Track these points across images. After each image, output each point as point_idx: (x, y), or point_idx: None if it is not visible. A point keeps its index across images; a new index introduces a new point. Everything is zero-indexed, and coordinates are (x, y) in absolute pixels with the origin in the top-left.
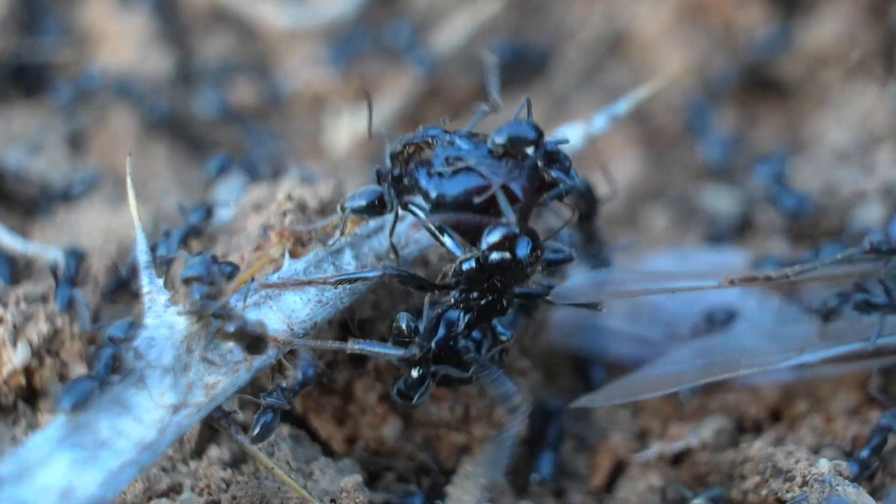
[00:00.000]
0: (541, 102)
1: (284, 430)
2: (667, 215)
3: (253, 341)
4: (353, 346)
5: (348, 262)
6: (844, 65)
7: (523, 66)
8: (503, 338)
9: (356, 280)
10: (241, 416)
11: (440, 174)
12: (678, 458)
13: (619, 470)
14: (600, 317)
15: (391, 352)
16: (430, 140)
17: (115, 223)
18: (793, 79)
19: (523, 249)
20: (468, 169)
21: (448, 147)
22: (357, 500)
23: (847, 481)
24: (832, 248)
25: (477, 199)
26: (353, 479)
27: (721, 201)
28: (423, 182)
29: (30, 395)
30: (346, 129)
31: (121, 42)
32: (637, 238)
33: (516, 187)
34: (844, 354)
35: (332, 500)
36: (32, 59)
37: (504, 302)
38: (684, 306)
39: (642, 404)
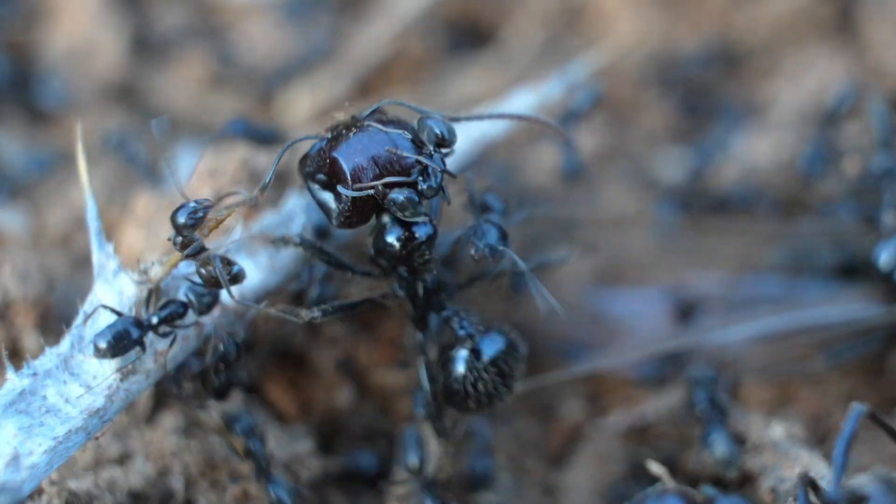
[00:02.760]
0: (495, 73)
1: (237, 396)
2: (623, 184)
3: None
4: (262, 307)
5: (301, 228)
6: (800, 34)
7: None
8: (461, 332)
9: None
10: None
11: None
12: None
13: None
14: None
15: (293, 317)
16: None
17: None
18: (748, 48)
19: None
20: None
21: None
22: (310, 467)
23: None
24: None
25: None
26: (307, 445)
27: (672, 166)
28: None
29: None
30: (303, 100)
31: (75, 15)
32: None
33: (346, 165)
34: None
35: (286, 467)
36: None
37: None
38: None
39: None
